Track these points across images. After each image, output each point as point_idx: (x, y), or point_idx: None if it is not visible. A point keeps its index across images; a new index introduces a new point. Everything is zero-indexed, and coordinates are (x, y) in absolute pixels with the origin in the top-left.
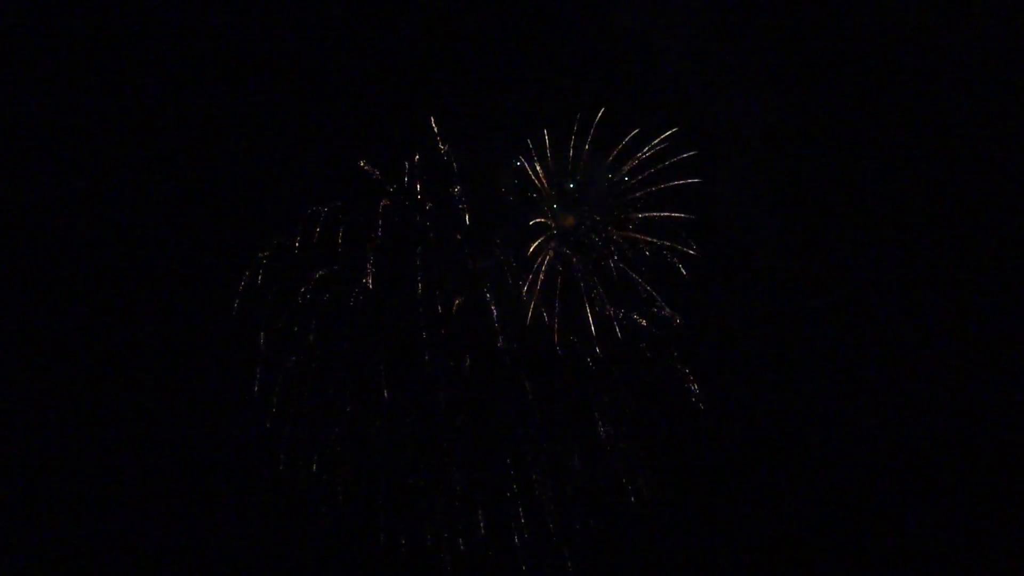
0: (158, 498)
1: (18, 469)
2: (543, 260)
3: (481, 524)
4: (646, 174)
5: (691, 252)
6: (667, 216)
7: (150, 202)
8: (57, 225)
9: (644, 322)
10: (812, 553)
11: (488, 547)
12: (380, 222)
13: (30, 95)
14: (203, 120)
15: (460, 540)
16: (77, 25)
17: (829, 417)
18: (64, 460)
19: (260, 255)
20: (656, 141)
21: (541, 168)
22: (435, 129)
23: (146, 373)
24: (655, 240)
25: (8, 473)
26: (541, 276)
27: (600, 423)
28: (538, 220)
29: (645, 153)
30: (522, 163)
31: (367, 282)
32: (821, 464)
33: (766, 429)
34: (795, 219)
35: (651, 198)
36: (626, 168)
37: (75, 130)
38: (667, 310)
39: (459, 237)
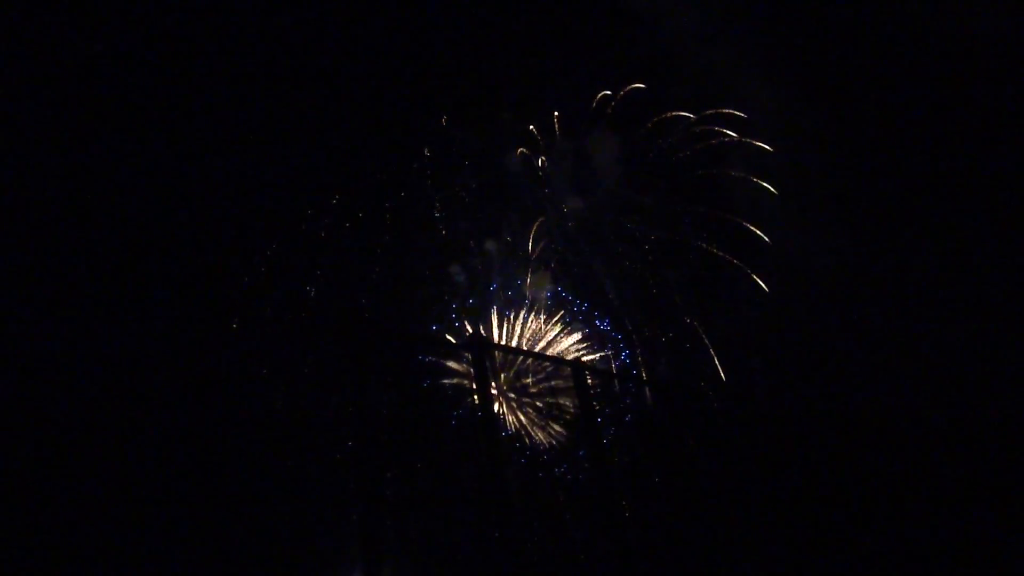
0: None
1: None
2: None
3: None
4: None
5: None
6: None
7: (154, 200)
8: (51, 227)
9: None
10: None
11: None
12: (388, 217)
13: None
14: (203, 120)
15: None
16: (78, 24)
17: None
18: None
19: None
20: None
21: (546, 155)
22: (444, 122)
23: (148, 374)
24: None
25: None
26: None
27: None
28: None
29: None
30: (526, 153)
31: (376, 272)
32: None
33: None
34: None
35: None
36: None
37: (73, 131)
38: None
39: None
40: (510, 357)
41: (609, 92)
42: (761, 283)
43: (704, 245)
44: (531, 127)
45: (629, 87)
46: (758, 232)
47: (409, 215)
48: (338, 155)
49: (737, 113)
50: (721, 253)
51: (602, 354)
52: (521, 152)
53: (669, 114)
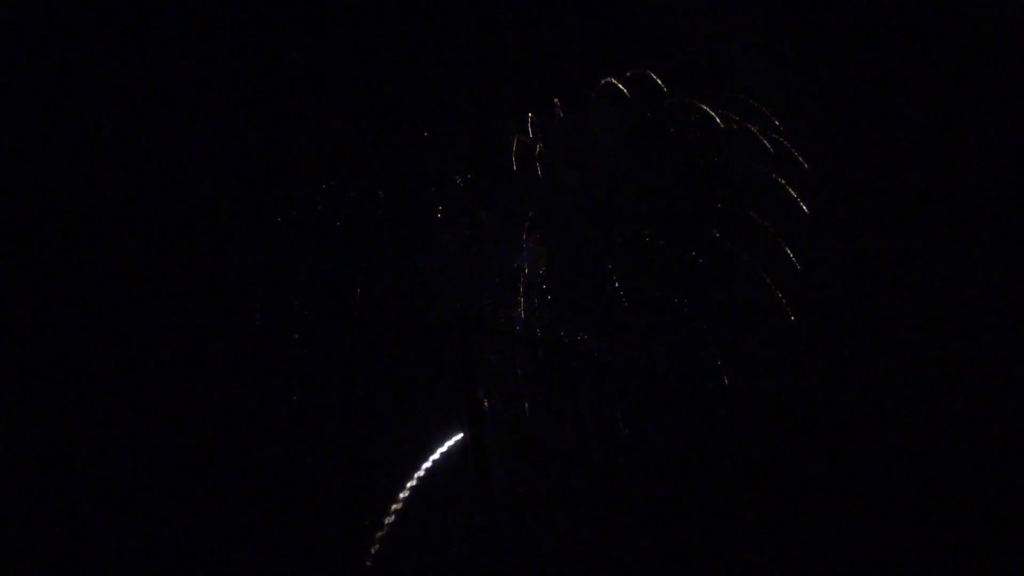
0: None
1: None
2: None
3: None
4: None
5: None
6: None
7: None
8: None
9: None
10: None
11: None
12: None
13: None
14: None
15: None
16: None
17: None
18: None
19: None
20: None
21: (544, 140)
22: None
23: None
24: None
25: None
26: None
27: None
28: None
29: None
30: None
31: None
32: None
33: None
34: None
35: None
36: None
37: (65, 126)
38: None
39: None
40: (501, 341)
41: (613, 80)
42: (788, 307)
43: (727, 245)
44: (530, 114)
45: (635, 70)
46: (788, 253)
47: (400, 191)
48: (333, 135)
49: (762, 109)
50: (747, 257)
51: (600, 341)
52: (519, 137)
53: (682, 99)
